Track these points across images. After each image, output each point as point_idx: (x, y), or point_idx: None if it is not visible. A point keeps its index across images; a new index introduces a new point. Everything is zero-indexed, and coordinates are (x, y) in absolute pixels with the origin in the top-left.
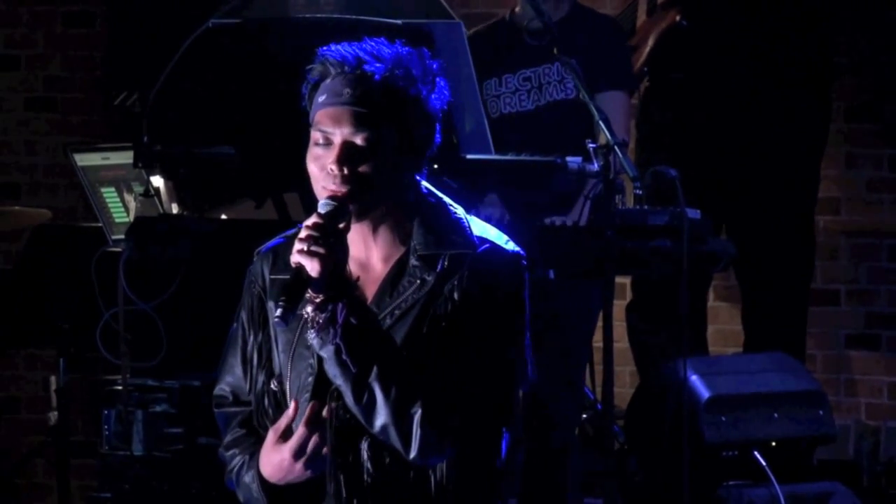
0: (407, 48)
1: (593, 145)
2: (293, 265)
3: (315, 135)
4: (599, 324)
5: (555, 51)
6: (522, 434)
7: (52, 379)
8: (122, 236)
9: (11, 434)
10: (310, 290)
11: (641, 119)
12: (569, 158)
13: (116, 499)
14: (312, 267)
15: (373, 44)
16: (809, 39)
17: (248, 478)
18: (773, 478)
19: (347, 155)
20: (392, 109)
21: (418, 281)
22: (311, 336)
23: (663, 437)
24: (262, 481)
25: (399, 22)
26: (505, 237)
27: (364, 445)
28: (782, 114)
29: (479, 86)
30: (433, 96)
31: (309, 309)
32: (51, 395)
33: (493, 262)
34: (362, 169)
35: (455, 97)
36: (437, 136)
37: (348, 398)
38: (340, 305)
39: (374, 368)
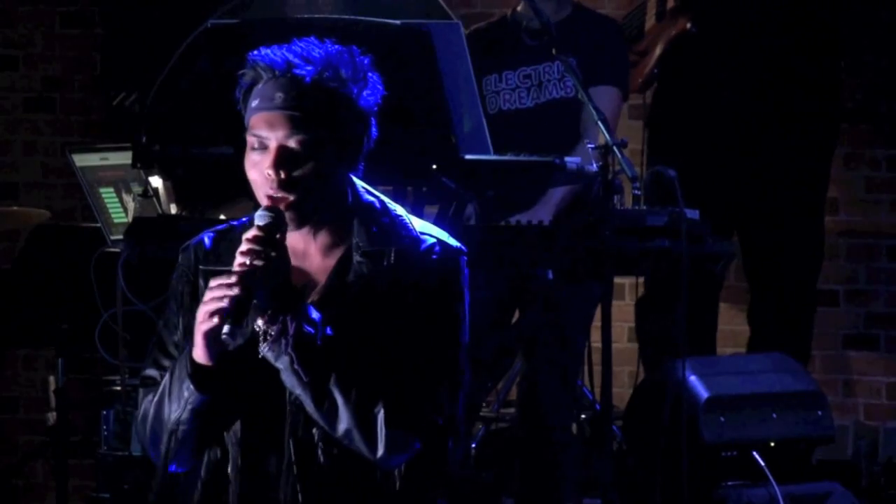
0: (337, 47)
1: (592, 145)
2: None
3: (250, 140)
4: (597, 323)
5: (553, 51)
6: (462, 432)
7: (51, 379)
8: (121, 237)
9: (10, 434)
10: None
11: (651, 121)
12: (567, 159)
13: (115, 499)
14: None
15: (302, 45)
16: (818, 43)
17: (177, 370)
18: (771, 478)
19: (284, 159)
20: (325, 111)
21: (365, 278)
22: (265, 349)
23: (662, 437)
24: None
25: (398, 22)
26: (446, 233)
27: (318, 440)
28: (792, 116)
29: (479, 81)
30: (365, 93)
31: (259, 322)
32: (49, 395)
33: (439, 258)
34: (299, 173)
35: (454, 97)
36: (374, 130)
37: (309, 406)
38: (290, 316)
39: (332, 374)
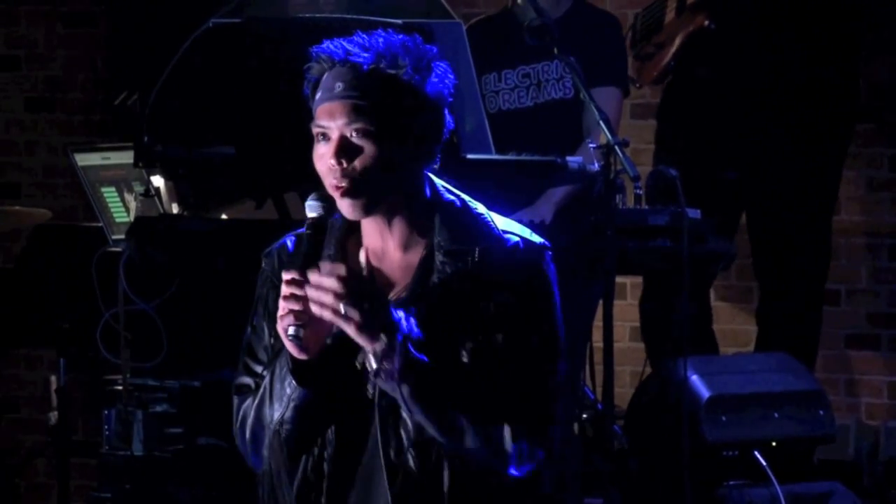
0: (400, 36)
1: (594, 145)
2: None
3: (315, 131)
4: (599, 323)
5: (555, 51)
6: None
7: (53, 379)
8: (123, 236)
9: (12, 434)
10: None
11: (662, 115)
12: (569, 158)
13: (116, 499)
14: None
15: (364, 36)
16: (837, 43)
17: (277, 369)
18: (773, 478)
19: (344, 148)
20: (384, 98)
21: (450, 279)
22: (379, 383)
23: (664, 436)
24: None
25: (399, 22)
26: (528, 230)
27: (408, 446)
28: (806, 115)
29: (478, 79)
30: (432, 81)
31: (368, 360)
32: (51, 394)
33: (525, 256)
34: (361, 160)
35: (455, 96)
36: (449, 122)
37: (432, 431)
38: (396, 347)
39: (449, 397)
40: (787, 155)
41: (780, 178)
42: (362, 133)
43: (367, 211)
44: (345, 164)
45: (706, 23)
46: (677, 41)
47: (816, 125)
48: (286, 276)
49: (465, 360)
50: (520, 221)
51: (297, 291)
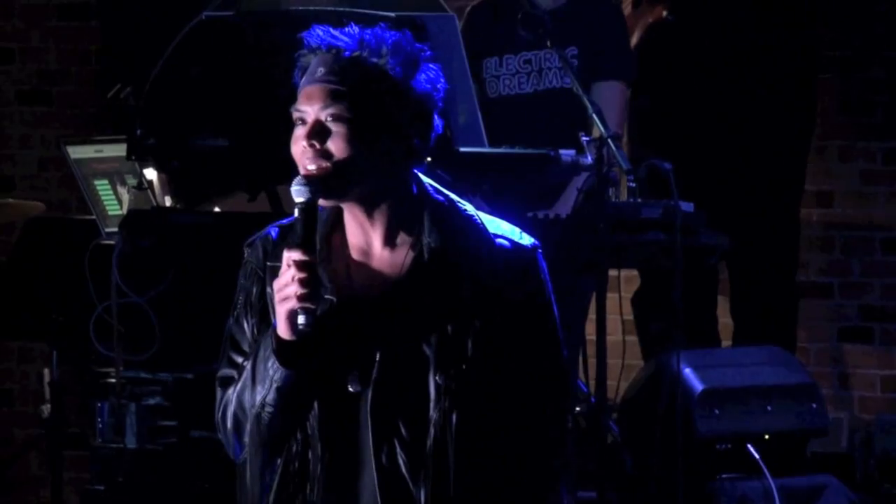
0: (392, 32)
1: (587, 138)
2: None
3: (294, 115)
4: (592, 316)
5: (548, 44)
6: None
7: (46, 372)
8: (116, 229)
9: (5, 427)
10: None
11: (629, 111)
12: (562, 151)
13: (109, 491)
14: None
15: (355, 27)
16: (793, 34)
17: (260, 351)
18: (766, 471)
19: (318, 131)
20: (363, 87)
21: (443, 286)
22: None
23: (657, 430)
24: (277, 337)
25: (392, 14)
26: (518, 229)
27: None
28: (768, 106)
29: (480, 63)
30: (420, 79)
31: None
32: (44, 387)
33: (515, 263)
34: (332, 145)
35: (448, 89)
36: (437, 125)
37: None
38: None
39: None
40: (749, 148)
41: (743, 172)
42: (337, 118)
43: (338, 197)
44: (317, 147)
45: (664, 14)
46: (636, 35)
47: (777, 118)
48: (295, 256)
49: (454, 369)
50: (540, 217)
51: (306, 274)
